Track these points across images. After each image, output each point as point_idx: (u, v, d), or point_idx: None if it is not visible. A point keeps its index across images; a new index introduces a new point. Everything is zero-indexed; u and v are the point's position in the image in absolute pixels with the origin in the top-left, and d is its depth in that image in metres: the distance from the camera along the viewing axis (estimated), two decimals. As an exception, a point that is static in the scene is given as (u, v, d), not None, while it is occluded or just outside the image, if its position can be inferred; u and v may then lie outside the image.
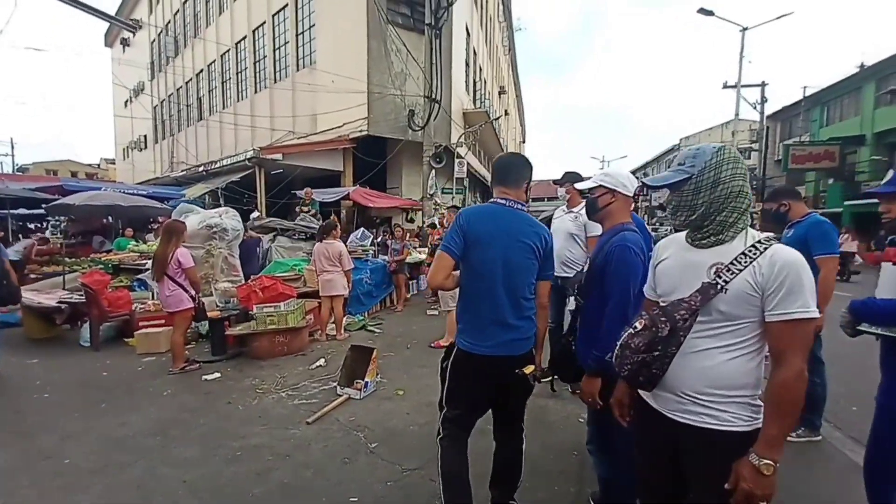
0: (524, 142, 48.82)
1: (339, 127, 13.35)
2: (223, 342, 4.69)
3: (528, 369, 1.82)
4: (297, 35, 15.06)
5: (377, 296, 7.03)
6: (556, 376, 2.19)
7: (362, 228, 8.80)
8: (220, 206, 10.24)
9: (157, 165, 25.34)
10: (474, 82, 18.85)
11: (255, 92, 17.35)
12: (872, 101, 18.79)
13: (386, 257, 8.20)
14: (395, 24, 12.85)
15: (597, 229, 3.62)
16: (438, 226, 8.01)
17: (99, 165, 43.72)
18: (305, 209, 9.07)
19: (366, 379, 3.56)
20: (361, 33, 12.64)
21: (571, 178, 3.75)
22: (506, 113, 23.91)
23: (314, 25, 14.25)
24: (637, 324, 1.30)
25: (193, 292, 4.18)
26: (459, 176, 14.12)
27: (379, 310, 7.13)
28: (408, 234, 7.64)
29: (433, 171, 12.73)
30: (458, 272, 1.91)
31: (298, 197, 10.77)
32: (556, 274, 3.66)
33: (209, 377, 4.03)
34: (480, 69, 20.36)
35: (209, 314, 4.61)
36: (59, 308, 5.23)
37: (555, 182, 3.71)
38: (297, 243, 7.21)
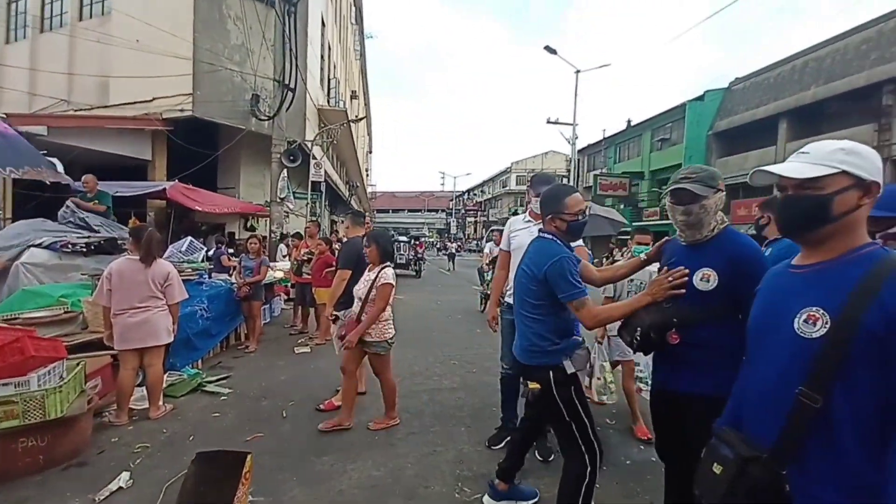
0: (371, 152, 48.04)
1: (146, 101, 10.00)
2: None
3: (532, 385, 1.93)
4: (79, -29, 10.97)
5: (217, 334, 4.90)
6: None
7: (189, 238, 6.35)
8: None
9: None
10: (329, 79, 17.06)
11: (7, 42, 12.13)
12: (649, 146, 24.18)
13: (227, 277, 6.04)
14: (234, -14, 10.42)
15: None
16: (305, 236, 6.29)
17: None
18: (87, 204, 6.08)
19: (231, 516, 1.91)
20: (185, -15, 9.79)
21: (545, 179, 2.88)
22: (358, 119, 22.56)
23: (109, -38, 10.56)
24: None
25: None
26: (316, 179, 12.22)
27: (221, 351, 5.02)
28: (262, 248, 5.68)
29: (285, 170, 10.59)
30: None
31: (75, 190, 7.44)
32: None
33: None
34: (335, 67, 18.67)
35: None
36: None
37: (538, 193, 2.76)
38: (71, 259, 4.52)
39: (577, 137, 21.38)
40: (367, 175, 42.12)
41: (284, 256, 9.31)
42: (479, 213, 48.28)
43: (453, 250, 24.52)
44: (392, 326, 3.13)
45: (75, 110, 10.24)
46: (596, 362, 3.22)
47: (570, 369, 1.87)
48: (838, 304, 0.94)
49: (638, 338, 1.64)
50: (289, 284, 7.50)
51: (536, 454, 2.72)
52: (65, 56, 10.90)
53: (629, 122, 26.32)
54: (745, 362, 1.22)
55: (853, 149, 1.01)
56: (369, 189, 43.90)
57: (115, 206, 6.58)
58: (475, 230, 46.70)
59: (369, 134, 44.18)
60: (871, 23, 14.55)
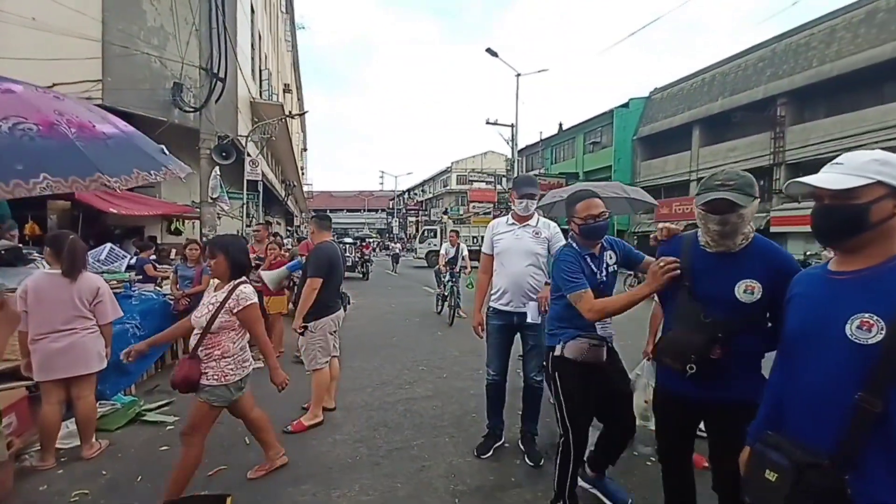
0: (305, 150, 45.99)
1: (46, 87, 8.66)
2: None
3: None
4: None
5: (152, 354, 4.33)
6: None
7: (108, 244, 5.59)
8: None
9: None
10: (260, 71, 15.98)
11: None
12: (582, 149, 25.66)
13: (155, 288, 5.39)
14: (151, -38, 9.39)
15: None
16: (252, 240, 5.79)
17: None
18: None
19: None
20: (91, -44, 8.62)
21: (528, 181, 2.86)
22: (297, 114, 21.40)
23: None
24: None
25: None
26: (253, 178, 11.39)
27: (156, 373, 4.45)
28: (200, 255, 5.12)
29: (216, 167, 9.69)
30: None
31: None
32: (510, 309, 2.69)
33: None
34: (266, 57, 17.54)
35: None
36: None
37: (521, 196, 2.72)
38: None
39: (515, 139, 22.12)
40: (303, 174, 40.25)
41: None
42: (420, 212, 48.18)
43: (396, 251, 23.38)
44: (243, 364, 2.31)
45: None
46: (639, 381, 2.94)
47: (557, 352, 2.09)
48: (892, 309, 0.98)
49: (694, 365, 1.51)
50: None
51: (526, 460, 2.70)
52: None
53: (560, 125, 27.83)
54: (781, 367, 1.25)
55: (887, 159, 1.05)
56: (305, 188, 42.04)
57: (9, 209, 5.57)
58: (417, 230, 46.61)
59: (303, 130, 42.26)
60: (766, 42, 16.61)
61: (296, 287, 5.10)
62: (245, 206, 13.29)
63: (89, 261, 5.07)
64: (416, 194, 53.41)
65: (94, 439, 2.86)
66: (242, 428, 3.17)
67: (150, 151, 2.80)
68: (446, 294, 7.38)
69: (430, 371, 4.57)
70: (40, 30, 8.09)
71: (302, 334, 3.24)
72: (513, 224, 2.76)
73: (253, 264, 5.21)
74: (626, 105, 22.59)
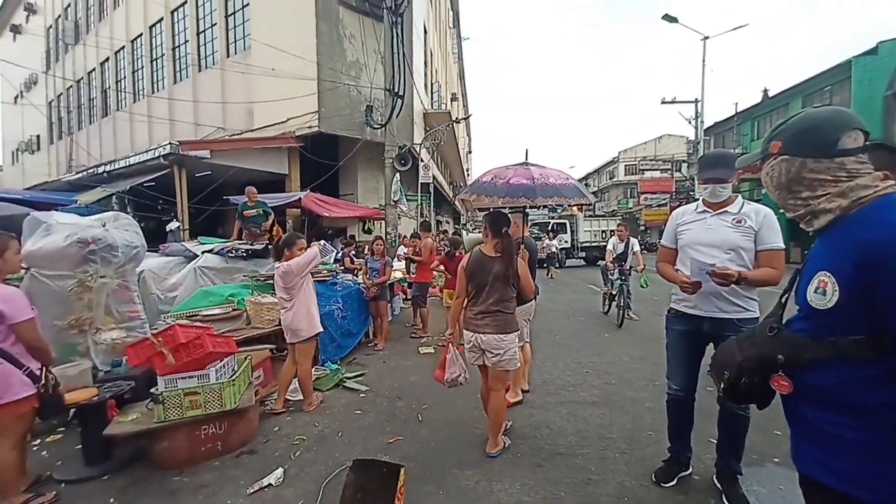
0: (470, 152, 48.53)
1: (282, 122, 11.35)
2: (105, 444, 2.69)
3: None
4: (226, 16, 12.91)
5: (357, 333, 5.23)
6: None
7: (322, 241, 6.91)
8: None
9: (53, 169, 21.33)
10: (431, 85, 17.55)
11: (175, 82, 14.80)
12: (801, 118, 20.15)
13: (353, 278, 6.41)
14: (349, 6, 11.25)
15: (776, 239, 2.28)
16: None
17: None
18: (250, 213, 7.07)
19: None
20: (309, 13, 10.84)
21: (718, 159, 2.33)
22: (462, 119, 22.84)
23: (248, 5, 12.21)
24: None
25: (35, 366, 2.21)
26: (425, 181, 12.57)
27: (353, 348, 5.31)
28: (386, 249, 5.94)
29: (397, 174, 11.07)
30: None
31: (233, 203, 8.74)
32: (698, 313, 2.25)
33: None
34: (436, 72, 19.16)
35: (73, 396, 2.58)
36: None
37: (705, 180, 2.26)
38: (235, 262, 5.18)
39: (699, 115, 18.79)
40: (469, 175, 42.65)
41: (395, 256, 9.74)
42: (584, 207, 45.67)
43: (552, 249, 16.61)
44: None
45: (230, 135, 12.05)
46: None
47: None
48: None
49: (728, 384, 1.10)
50: (406, 284, 7.75)
51: (725, 501, 2.20)
52: (218, 88, 12.89)
53: (766, 91, 22.29)
54: None
55: None
56: (470, 188, 44.32)
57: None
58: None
59: (468, 134, 44.76)
60: None
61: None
62: (419, 207, 14.83)
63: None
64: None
65: (312, 397, 3.57)
66: (416, 406, 3.54)
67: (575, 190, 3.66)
68: (614, 293, 6.74)
69: (597, 375, 4.23)
70: (278, 77, 10.57)
71: None
72: (704, 211, 2.27)
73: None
74: (872, 51, 16.70)
